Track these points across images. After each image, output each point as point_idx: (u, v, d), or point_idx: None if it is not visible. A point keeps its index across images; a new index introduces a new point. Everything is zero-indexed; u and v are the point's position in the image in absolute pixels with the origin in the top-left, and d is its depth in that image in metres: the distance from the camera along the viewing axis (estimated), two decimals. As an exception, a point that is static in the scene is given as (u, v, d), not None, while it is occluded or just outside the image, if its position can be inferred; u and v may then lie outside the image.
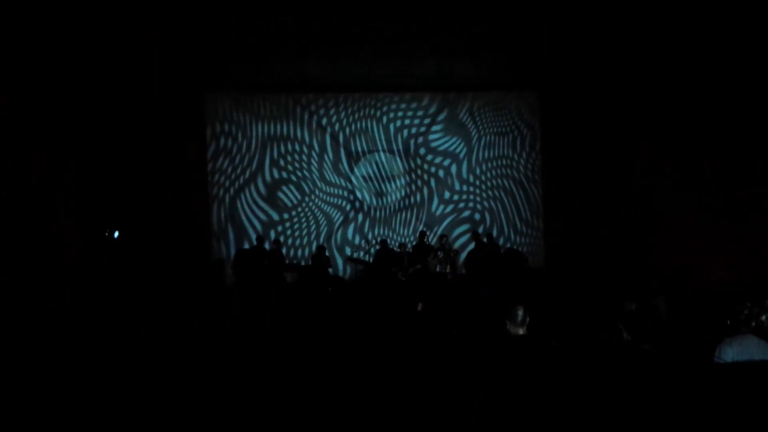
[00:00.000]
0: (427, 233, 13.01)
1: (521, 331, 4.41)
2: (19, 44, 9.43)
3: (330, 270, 12.12)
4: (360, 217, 13.37)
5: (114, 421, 4.12)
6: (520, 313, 4.42)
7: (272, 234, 13.03)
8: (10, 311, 10.08)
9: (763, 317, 4.78)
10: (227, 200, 13.05)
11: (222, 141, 13.04)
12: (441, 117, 13.47)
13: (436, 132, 13.47)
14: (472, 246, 12.59)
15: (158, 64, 11.23)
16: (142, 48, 10.27)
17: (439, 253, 11.68)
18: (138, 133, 11.90)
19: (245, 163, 13.09)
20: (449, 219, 13.49)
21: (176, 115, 12.42)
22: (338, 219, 13.32)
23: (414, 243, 13.00)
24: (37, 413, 4.14)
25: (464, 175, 13.53)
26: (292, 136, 13.18)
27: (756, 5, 9.35)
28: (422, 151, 13.43)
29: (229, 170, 13.06)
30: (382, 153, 13.37)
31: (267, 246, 12.30)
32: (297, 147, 13.19)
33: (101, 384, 4.41)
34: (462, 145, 13.50)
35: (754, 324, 4.49)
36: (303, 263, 12.55)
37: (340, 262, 13.25)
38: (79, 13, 8.95)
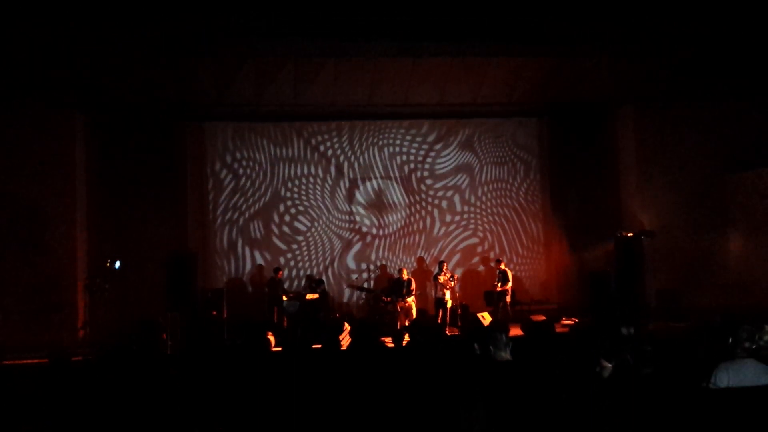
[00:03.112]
0: (426, 259, 13.07)
1: (506, 356, 4.43)
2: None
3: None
4: (360, 243, 13.35)
5: (114, 421, 4.08)
6: (504, 337, 4.44)
7: (267, 256, 13.03)
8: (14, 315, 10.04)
9: (762, 342, 4.67)
10: (227, 228, 13.07)
11: (224, 172, 13.09)
12: (440, 144, 13.56)
13: (436, 159, 13.56)
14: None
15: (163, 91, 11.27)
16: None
17: (438, 278, 11.68)
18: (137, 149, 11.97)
19: (247, 187, 13.13)
20: (450, 244, 13.51)
21: (177, 143, 12.50)
22: (339, 246, 13.29)
23: (413, 268, 13.03)
24: (37, 413, 4.11)
25: (465, 201, 13.58)
26: (294, 165, 13.22)
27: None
28: (418, 174, 13.48)
29: (230, 204, 13.09)
30: (381, 180, 13.43)
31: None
32: (299, 177, 13.22)
33: (101, 384, 4.38)
34: (463, 171, 13.58)
35: (753, 347, 4.36)
36: (302, 291, 12.49)
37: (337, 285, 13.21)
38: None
